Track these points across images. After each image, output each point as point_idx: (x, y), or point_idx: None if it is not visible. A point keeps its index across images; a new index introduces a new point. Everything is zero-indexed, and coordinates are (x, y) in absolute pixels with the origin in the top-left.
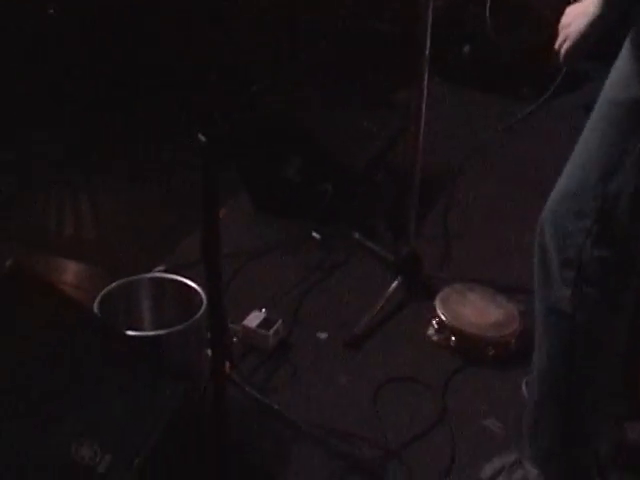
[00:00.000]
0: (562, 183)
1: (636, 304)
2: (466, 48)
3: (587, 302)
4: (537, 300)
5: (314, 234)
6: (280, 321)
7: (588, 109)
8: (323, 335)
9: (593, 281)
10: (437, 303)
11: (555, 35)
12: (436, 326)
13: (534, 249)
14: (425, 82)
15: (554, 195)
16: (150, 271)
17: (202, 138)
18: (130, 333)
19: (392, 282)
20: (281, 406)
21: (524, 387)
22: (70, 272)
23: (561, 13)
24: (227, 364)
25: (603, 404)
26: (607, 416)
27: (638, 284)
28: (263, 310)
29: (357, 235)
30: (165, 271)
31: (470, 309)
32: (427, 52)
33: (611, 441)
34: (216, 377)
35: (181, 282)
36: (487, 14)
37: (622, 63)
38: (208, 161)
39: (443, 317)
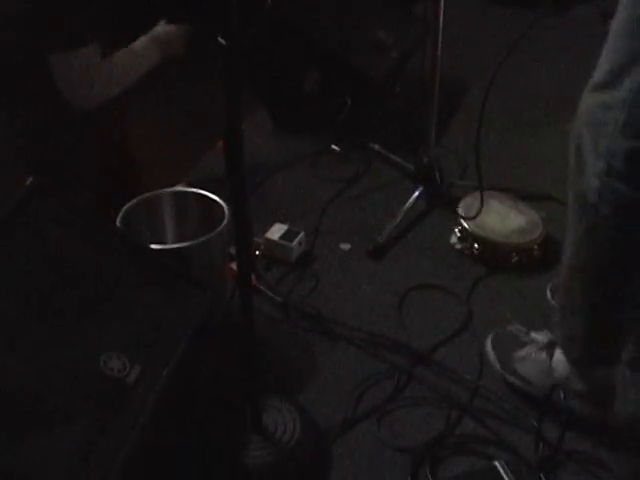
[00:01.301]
0: (594, 75)
1: None
2: None
3: (613, 195)
4: (569, 189)
5: (333, 147)
6: (302, 233)
7: (605, 16)
8: (346, 246)
9: (621, 174)
10: (460, 211)
11: None
12: (459, 234)
13: (571, 135)
14: None
15: (588, 86)
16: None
17: (222, 41)
18: (154, 246)
19: (413, 192)
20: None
21: (548, 293)
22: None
23: None
24: (252, 276)
25: (625, 305)
26: (629, 319)
27: None
28: (285, 223)
29: (377, 146)
30: (187, 186)
31: (492, 216)
32: None
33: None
34: (243, 284)
35: (203, 195)
36: None
37: None
38: (229, 64)
39: (466, 225)
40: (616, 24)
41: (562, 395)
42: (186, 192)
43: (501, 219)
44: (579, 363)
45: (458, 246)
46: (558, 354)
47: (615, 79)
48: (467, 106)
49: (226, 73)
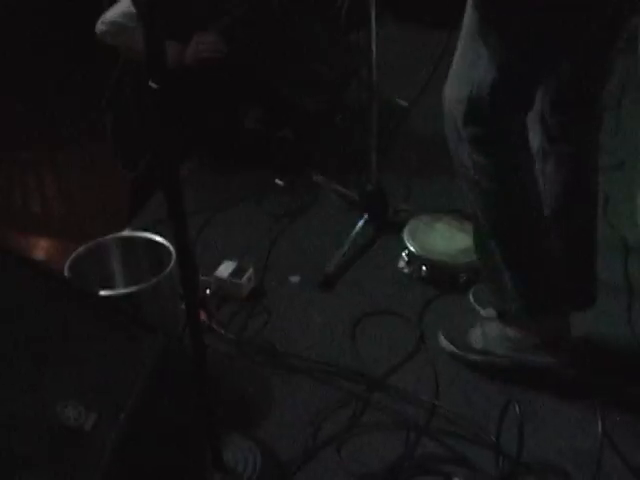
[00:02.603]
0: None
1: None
2: None
3: (484, 170)
4: (457, 170)
5: (277, 181)
6: (251, 269)
7: None
8: (295, 278)
9: (481, 152)
10: (405, 236)
11: None
12: (406, 258)
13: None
14: (373, 21)
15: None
16: None
17: (154, 85)
18: (103, 292)
19: (359, 220)
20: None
21: (471, 297)
22: (40, 248)
23: None
24: (204, 314)
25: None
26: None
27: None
28: (233, 260)
29: (320, 178)
30: (134, 230)
31: (438, 238)
32: None
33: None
34: (192, 323)
35: (149, 239)
36: None
37: None
38: (161, 107)
39: (412, 249)
40: (463, 32)
41: (516, 409)
42: (133, 236)
43: (447, 240)
44: (522, 314)
45: (406, 270)
46: (509, 318)
47: (462, 77)
48: (407, 130)
49: (159, 116)
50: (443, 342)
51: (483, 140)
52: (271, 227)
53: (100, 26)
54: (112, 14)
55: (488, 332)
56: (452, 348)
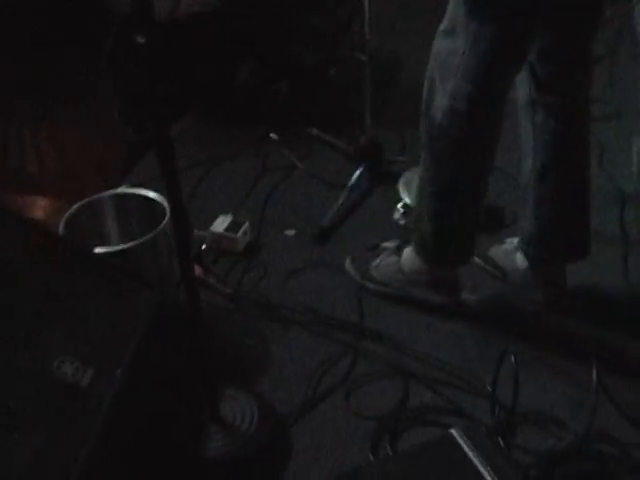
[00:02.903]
0: (443, 21)
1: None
2: None
3: (452, 130)
4: (421, 117)
5: (272, 135)
6: (247, 223)
7: None
8: (291, 232)
9: (461, 113)
10: (400, 187)
11: None
12: (402, 210)
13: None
14: None
15: (439, 30)
16: None
17: (141, 40)
18: (98, 249)
19: (354, 172)
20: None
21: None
22: (37, 208)
23: None
24: (200, 270)
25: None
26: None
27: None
28: (229, 214)
29: (315, 131)
30: (130, 186)
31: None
32: None
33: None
34: (186, 278)
35: (143, 195)
36: None
37: None
38: (149, 62)
39: (407, 200)
40: None
41: (512, 359)
42: (127, 193)
43: None
44: (430, 261)
45: (402, 221)
46: (406, 253)
47: (456, 28)
48: (402, 82)
49: (147, 74)
50: (348, 268)
51: (473, 99)
52: (267, 181)
53: None
54: None
55: (387, 264)
56: (355, 275)
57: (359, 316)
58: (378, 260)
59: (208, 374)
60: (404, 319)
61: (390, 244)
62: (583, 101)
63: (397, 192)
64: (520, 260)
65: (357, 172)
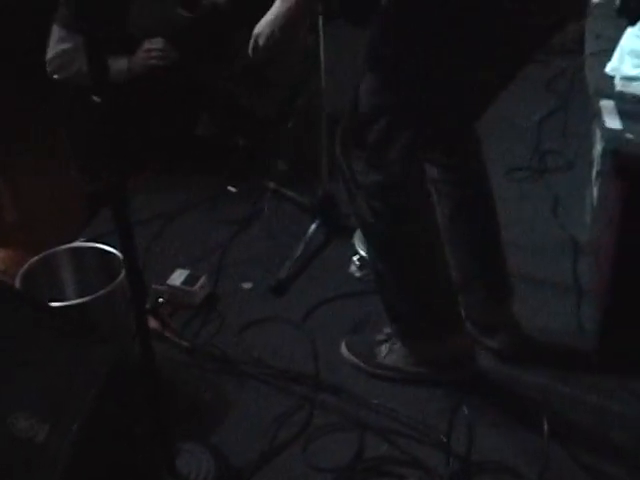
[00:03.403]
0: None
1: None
2: None
3: (379, 212)
4: (353, 215)
5: (230, 188)
6: (204, 276)
7: None
8: (248, 285)
9: (377, 197)
10: (356, 240)
11: None
12: (357, 263)
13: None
14: (320, 25)
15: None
16: None
17: (96, 99)
18: (54, 304)
19: (311, 225)
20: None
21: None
22: None
23: None
24: (157, 323)
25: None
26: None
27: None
28: (186, 267)
29: (272, 184)
30: (85, 241)
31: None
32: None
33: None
34: (140, 331)
35: (100, 249)
36: None
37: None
38: (104, 120)
39: (363, 253)
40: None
41: (465, 410)
42: (83, 247)
43: None
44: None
45: (358, 274)
46: None
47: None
48: None
49: (102, 129)
50: (346, 354)
51: (383, 186)
52: (224, 234)
53: (49, 68)
54: (51, 51)
55: (397, 349)
56: (358, 362)
57: (315, 369)
58: (385, 346)
59: (164, 428)
60: (360, 371)
61: (380, 337)
62: (477, 152)
63: (352, 245)
64: None
65: (313, 225)
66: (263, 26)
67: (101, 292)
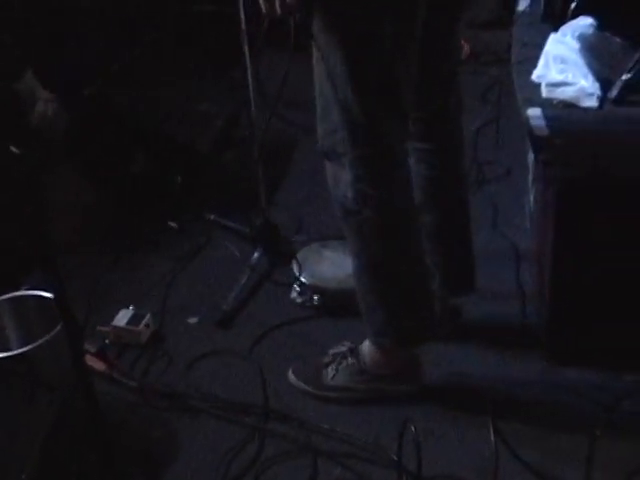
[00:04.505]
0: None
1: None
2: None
3: (365, 197)
4: (335, 208)
5: (171, 223)
6: (149, 314)
7: None
8: (194, 319)
9: (364, 178)
10: (294, 266)
11: None
12: (298, 289)
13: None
14: (247, 57)
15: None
16: None
17: (15, 150)
18: None
19: (253, 255)
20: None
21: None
22: None
23: None
24: (104, 365)
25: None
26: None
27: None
28: (131, 307)
29: (212, 216)
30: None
31: (327, 265)
32: (243, 26)
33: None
34: (80, 377)
35: (40, 296)
36: None
37: None
38: (25, 172)
39: (302, 279)
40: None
41: (413, 428)
42: (23, 296)
43: (337, 266)
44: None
45: (299, 300)
46: (365, 350)
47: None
48: (296, 161)
49: (26, 183)
50: (294, 381)
51: (371, 162)
52: (168, 270)
53: None
54: None
55: (344, 368)
56: (306, 388)
57: (264, 398)
58: (332, 367)
59: (115, 471)
60: (309, 397)
61: (338, 348)
62: (455, 146)
63: (292, 271)
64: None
65: (255, 254)
66: None
67: (43, 339)
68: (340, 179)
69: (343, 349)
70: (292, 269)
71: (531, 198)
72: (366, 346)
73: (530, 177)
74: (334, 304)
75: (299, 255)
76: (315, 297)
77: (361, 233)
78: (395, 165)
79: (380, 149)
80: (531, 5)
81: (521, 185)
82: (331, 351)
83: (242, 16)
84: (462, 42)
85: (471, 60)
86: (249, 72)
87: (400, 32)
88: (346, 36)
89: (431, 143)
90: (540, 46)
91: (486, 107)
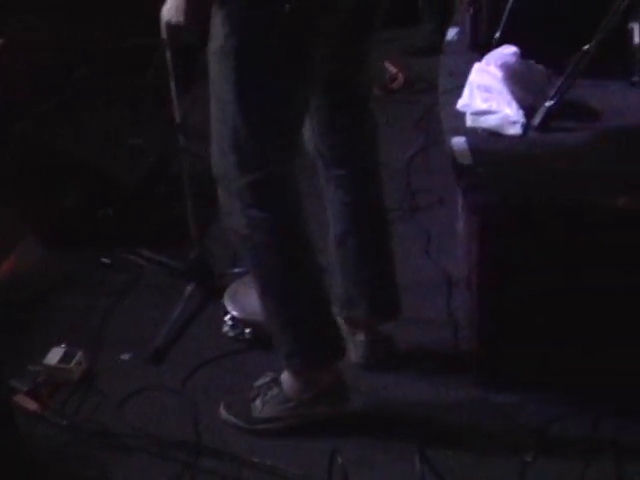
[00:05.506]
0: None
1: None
2: None
3: (256, 223)
4: (230, 234)
5: (103, 259)
6: (80, 352)
7: None
8: (126, 356)
9: (254, 204)
10: (225, 300)
11: None
12: (230, 322)
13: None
14: (174, 91)
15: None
16: None
17: None
18: None
19: (186, 289)
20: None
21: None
22: None
23: None
24: (35, 404)
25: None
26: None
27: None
28: (62, 345)
29: (145, 251)
30: None
31: (257, 297)
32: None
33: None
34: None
35: None
36: None
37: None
38: None
39: (234, 312)
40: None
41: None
42: None
43: None
44: (309, 369)
45: (231, 334)
46: (285, 379)
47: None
48: None
49: None
50: (226, 416)
51: (257, 189)
52: (101, 306)
53: None
54: None
55: (271, 398)
56: (238, 422)
57: (196, 434)
58: (259, 400)
59: None
60: (241, 431)
61: (263, 380)
62: (371, 171)
63: (223, 305)
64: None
65: (188, 288)
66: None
67: None
68: (232, 205)
69: (267, 380)
70: (222, 302)
71: (461, 225)
72: (285, 374)
73: (460, 204)
74: (266, 336)
75: (230, 288)
76: (247, 330)
77: (257, 258)
78: (285, 190)
79: (269, 175)
80: (459, 34)
81: (453, 212)
82: (257, 383)
83: (166, 50)
84: (396, 71)
85: (405, 88)
86: (175, 104)
87: (294, 65)
88: (237, 65)
89: (348, 169)
90: (466, 75)
91: (419, 135)
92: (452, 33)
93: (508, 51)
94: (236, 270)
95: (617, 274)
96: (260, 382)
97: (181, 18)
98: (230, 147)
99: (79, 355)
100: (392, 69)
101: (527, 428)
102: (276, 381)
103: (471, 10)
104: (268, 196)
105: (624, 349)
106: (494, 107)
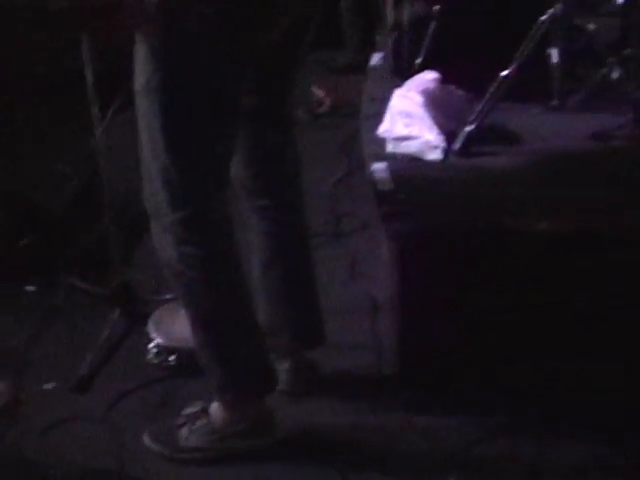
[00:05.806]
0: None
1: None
2: None
3: (189, 258)
4: (163, 268)
5: (27, 287)
6: (3, 382)
7: None
8: (50, 385)
9: (185, 240)
10: (149, 327)
11: None
12: (154, 349)
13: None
14: (95, 121)
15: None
16: None
17: None
18: None
19: (110, 317)
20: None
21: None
22: None
23: None
24: None
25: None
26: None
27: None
28: None
29: (69, 278)
30: None
31: (182, 324)
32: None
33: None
34: None
35: None
36: None
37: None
38: None
39: (158, 339)
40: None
41: None
42: None
43: None
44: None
45: (155, 361)
46: (214, 409)
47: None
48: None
49: None
50: (150, 445)
51: (189, 224)
52: (25, 335)
53: None
54: None
55: (198, 428)
56: (163, 451)
57: (120, 463)
58: (186, 428)
59: None
60: (165, 460)
61: (191, 409)
62: (295, 200)
63: (147, 332)
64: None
65: (113, 315)
66: None
67: None
68: (165, 239)
69: (196, 409)
70: (146, 330)
71: (385, 250)
72: (215, 405)
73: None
74: (190, 363)
75: (154, 315)
76: (171, 357)
77: (189, 292)
78: (218, 225)
79: (201, 211)
80: (383, 59)
81: (378, 237)
82: (184, 412)
83: (89, 75)
84: (323, 96)
85: (332, 113)
86: (97, 132)
87: (222, 99)
88: (166, 100)
89: (270, 199)
90: (388, 101)
91: (344, 160)
92: (376, 58)
93: (429, 77)
94: (161, 297)
95: (537, 295)
96: (188, 411)
97: None
98: (161, 183)
99: (2, 384)
100: (319, 93)
101: (450, 450)
102: (205, 411)
103: (394, 36)
104: (200, 232)
105: (540, 367)
106: (415, 132)
